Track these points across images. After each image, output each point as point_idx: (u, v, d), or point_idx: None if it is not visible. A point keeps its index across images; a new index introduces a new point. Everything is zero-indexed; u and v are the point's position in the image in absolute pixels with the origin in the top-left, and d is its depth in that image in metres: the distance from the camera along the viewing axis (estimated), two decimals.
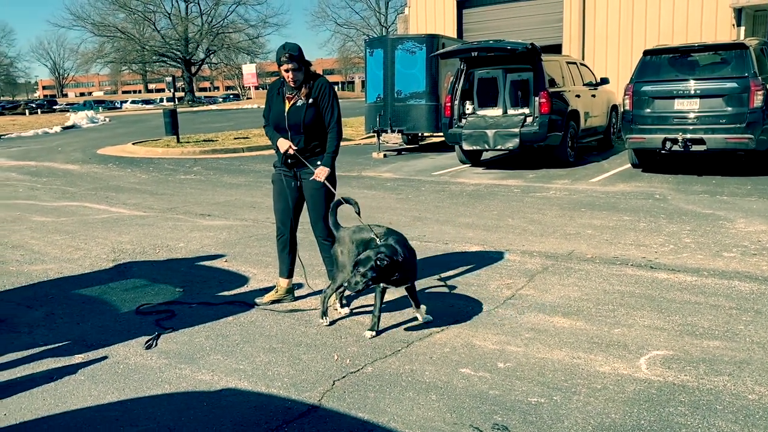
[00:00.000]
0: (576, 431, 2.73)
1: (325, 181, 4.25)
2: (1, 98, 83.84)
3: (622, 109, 10.05)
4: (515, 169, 11.06)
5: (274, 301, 4.51)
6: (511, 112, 11.19)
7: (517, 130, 10.46)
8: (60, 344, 3.86)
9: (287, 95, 4.23)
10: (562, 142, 10.82)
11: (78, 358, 3.65)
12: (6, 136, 25.22)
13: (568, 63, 12.05)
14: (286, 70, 4.09)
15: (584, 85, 12.21)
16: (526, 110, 10.88)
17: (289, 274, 4.53)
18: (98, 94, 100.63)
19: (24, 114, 50.43)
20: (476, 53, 10.98)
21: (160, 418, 2.93)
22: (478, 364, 3.41)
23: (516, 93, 11.19)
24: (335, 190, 4.34)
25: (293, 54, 4.04)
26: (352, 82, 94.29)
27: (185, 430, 2.82)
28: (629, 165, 10.51)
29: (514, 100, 11.24)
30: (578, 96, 11.54)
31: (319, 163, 4.25)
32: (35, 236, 6.91)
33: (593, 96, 12.36)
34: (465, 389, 3.14)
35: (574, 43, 18.11)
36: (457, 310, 4.26)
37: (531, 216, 7.17)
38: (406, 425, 2.81)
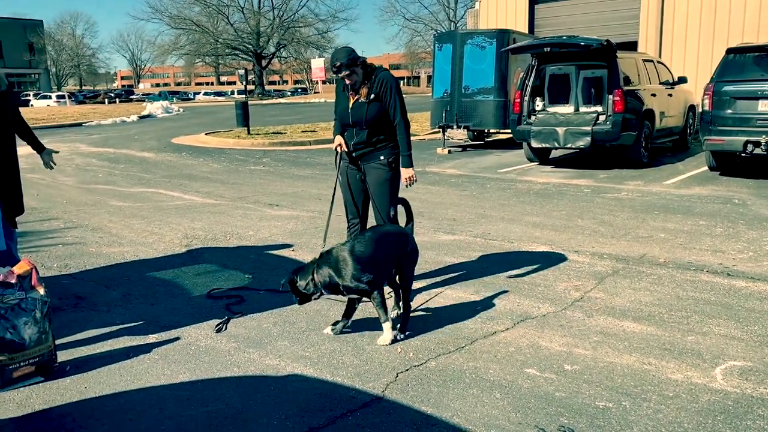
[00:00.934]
0: None
1: (407, 178, 4.30)
2: (83, 87, 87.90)
3: (700, 110, 9.66)
4: (585, 169, 10.80)
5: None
6: (583, 109, 10.92)
7: (589, 128, 10.21)
8: (135, 324, 4.03)
9: (350, 92, 4.27)
10: (635, 142, 10.49)
11: (152, 338, 3.79)
12: (87, 124, 26.43)
13: (644, 61, 11.66)
14: (341, 78, 4.14)
15: (660, 83, 11.79)
16: (599, 108, 10.59)
17: None
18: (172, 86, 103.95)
19: (103, 103, 52.76)
20: (549, 49, 10.77)
21: (228, 400, 3.02)
22: (544, 365, 3.36)
23: (589, 90, 10.91)
24: (398, 186, 4.36)
25: (342, 63, 4.04)
26: (418, 77, 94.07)
27: (252, 413, 2.89)
28: (706, 168, 10.09)
29: (587, 97, 10.96)
30: (654, 95, 11.15)
31: (382, 157, 4.26)
32: (113, 220, 7.22)
33: (670, 95, 11.92)
34: (530, 389, 3.09)
35: (651, 40, 17.51)
36: (523, 309, 4.21)
37: (601, 217, 6.99)
38: (469, 422, 2.80)
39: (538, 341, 3.68)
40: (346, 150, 4.31)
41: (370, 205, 4.45)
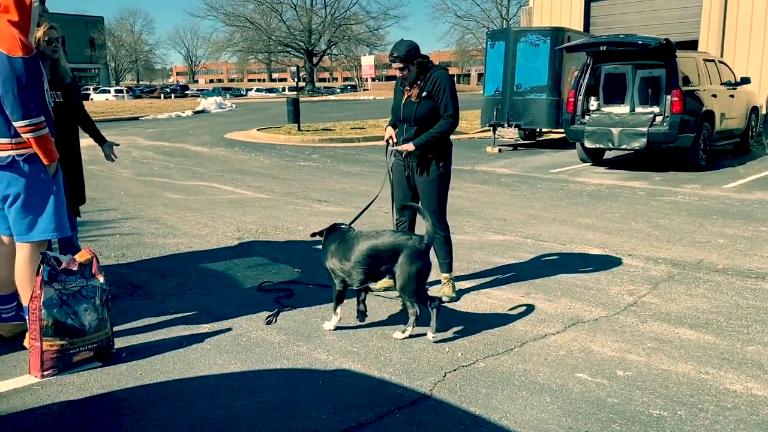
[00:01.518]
0: None
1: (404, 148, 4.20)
2: (140, 82, 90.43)
3: (764, 111, 9.30)
4: (640, 171, 10.54)
5: (386, 288, 4.56)
6: (639, 110, 10.65)
7: (645, 129, 9.95)
8: (189, 313, 4.12)
9: (405, 88, 4.27)
10: (693, 144, 10.17)
11: (205, 328, 3.87)
12: (143, 118, 27.19)
13: (705, 60, 11.30)
14: (395, 69, 4.14)
15: (722, 84, 11.40)
16: (656, 109, 10.32)
17: None
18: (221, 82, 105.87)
19: (159, 98, 54.16)
20: (605, 47, 10.53)
21: (278, 392, 3.06)
22: (596, 370, 3.29)
23: (646, 90, 10.63)
24: (447, 185, 4.35)
25: (399, 56, 4.06)
26: (468, 75, 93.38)
27: (301, 405, 2.92)
28: None
29: (644, 97, 10.68)
30: (714, 96, 10.80)
31: (430, 155, 4.24)
32: (168, 212, 7.41)
33: (731, 96, 11.52)
34: (581, 394, 3.04)
35: (713, 39, 16.95)
36: (574, 313, 4.13)
37: (656, 221, 6.81)
38: (518, 425, 2.76)
39: (589, 345, 3.61)
40: (395, 142, 4.30)
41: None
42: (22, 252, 3.44)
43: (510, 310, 4.18)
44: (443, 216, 4.39)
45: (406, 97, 4.25)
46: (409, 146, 4.18)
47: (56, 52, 4.20)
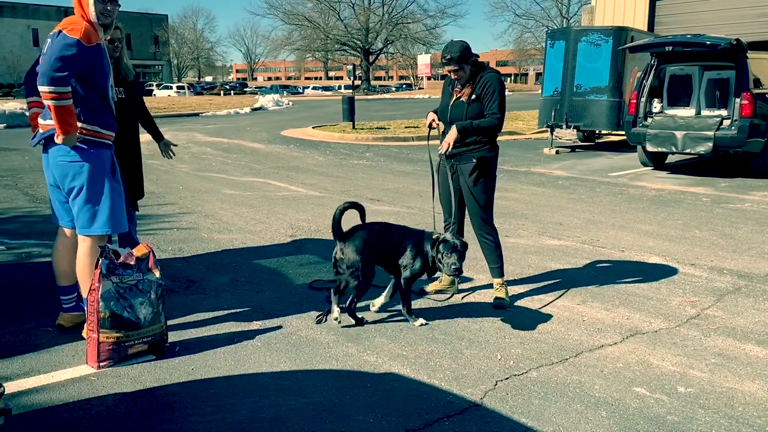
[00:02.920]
0: None
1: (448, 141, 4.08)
2: (201, 79, 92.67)
3: None
4: (704, 176, 10.13)
5: (437, 291, 4.51)
6: (705, 113, 10.25)
7: (711, 133, 9.56)
8: (241, 310, 4.16)
9: (455, 89, 4.21)
10: (763, 150, 9.73)
11: (256, 325, 3.90)
12: (203, 114, 27.83)
13: None
14: (448, 71, 4.09)
15: None
16: (724, 112, 9.90)
17: None
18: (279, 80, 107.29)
19: (219, 94, 55.38)
20: (671, 48, 10.17)
21: (327, 393, 3.04)
22: (655, 385, 3.15)
23: (713, 93, 10.22)
24: (494, 189, 4.28)
25: (453, 56, 3.99)
26: (526, 75, 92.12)
27: (349, 409, 2.90)
28: None
29: (711, 100, 10.27)
30: None
31: (474, 159, 4.15)
32: (224, 207, 7.53)
33: None
34: (639, 410, 2.91)
35: None
36: (633, 324, 3.98)
37: (722, 229, 6.52)
38: None
39: (648, 359, 3.47)
40: (438, 125, 4.25)
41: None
42: (84, 245, 3.54)
43: (565, 318, 4.06)
44: (491, 220, 4.29)
45: (455, 98, 4.18)
46: (453, 132, 4.03)
47: (117, 50, 4.31)
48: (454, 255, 3.80)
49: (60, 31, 3.32)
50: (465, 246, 3.90)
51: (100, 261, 3.27)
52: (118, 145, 4.44)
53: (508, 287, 4.44)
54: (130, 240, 4.73)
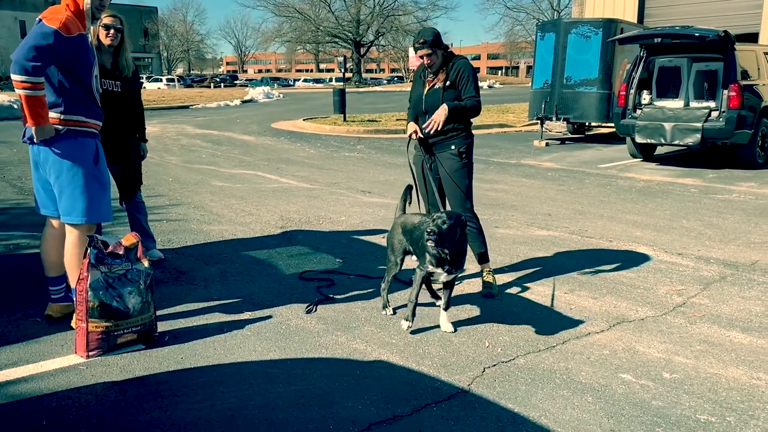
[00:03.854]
0: None
1: (443, 149, 4.16)
2: (191, 72, 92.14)
3: None
4: (692, 167, 10.20)
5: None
6: (693, 104, 10.31)
7: (699, 124, 9.62)
8: (231, 300, 4.17)
9: (427, 78, 4.22)
10: (751, 141, 9.79)
11: (245, 315, 3.91)
12: (193, 107, 27.71)
13: (765, 54, 10.83)
14: (421, 56, 4.08)
15: None
16: (712, 104, 9.96)
17: None
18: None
19: (209, 87, 55.08)
20: (660, 40, 10.21)
21: (316, 381, 3.06)
22: (641, 372, 3.19)
23: (701, 84, 10.28)
24: (471, 176, 4.27)
25: (426, 40, 4.00)
26: (517, 68, 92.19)
27: (338, 396, 2.92)
28: None
29: (699, 91, 10.34)
30: None
31: (453, 147, 4.18)
32: (214, 199, 7.52)
33: None
34: (625, 396, 2.95)
35: None
36: (620, 312, 4.02)
37: (709, 219, 6.57)
38: (558, 424, 2.70)
39: (635, 346, 3.51)
40: (421, 137, 4.23)
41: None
42: (71, 235, 3.53)
43: (553, 306, 4.10)
44: (471, 207, 4.31)
45: (429, 87, 4.20)
46: (442, 110, 4.00)
47: (114, 40, 4.32)
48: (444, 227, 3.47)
49: (40, 20, 3.30)
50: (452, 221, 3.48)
51: (89, 251, 3.27)
52: (112, 138, 4.47)
53: (498, 276, 4.47)
54: (141, 231, 4.78)
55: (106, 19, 4.26)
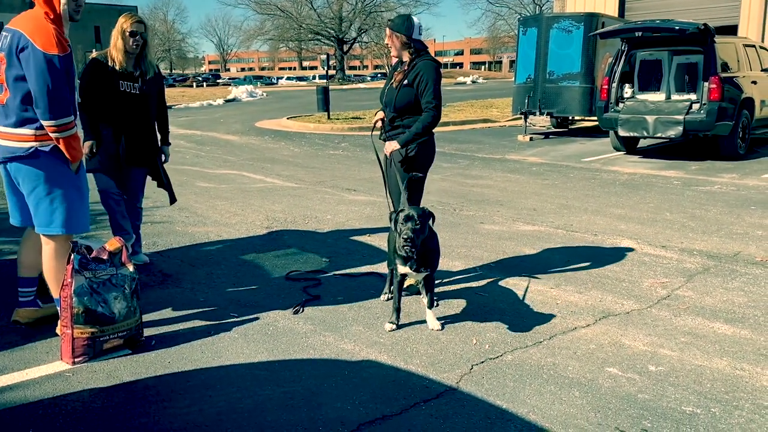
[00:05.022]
0: None
1: (389, 155, 4.13)
2: (173, 71, 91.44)
3: None
4: (675, 160, 10.30)
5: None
6: (675, 97, 10.40)
7: (681, 117, 9.71)
8: (217, 302, 4.15)
9: (395, 72, 4.20)
10: (731, 133, 9.90)
11: (232, 317, 3.89)
12: (176, 107, 27.49)
13: (745, 46, 10.96)
14: (386, 44, 4.14)
15: (763, 70, 11.06)
16: (693, 96, 10.06)
17: None
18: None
19: (192, 86, 54.69)
20: (641, 33, 10.29)
21: (304, 382, 3.06)
22: (627, 365, 3.22)
23: (682, 77, 10.37)
24: (423, 174, 4.20)
25: (391, 20, 4.06)
26: (500, 62, 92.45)
27: (327, 396, 2.92)
28: None
29: (680, 84, 10.43)
30: (754, 82, 10.48)
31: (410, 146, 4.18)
32: (199, 200, 7.48)
33: None
34: (611, 389, 2.98)
35: (753, 23, 16.45)
36: (605, 306, 4.05)
37: (692, 211, 6.64)
38: (546, 419, 2.72)
39: (620, 339, 3.54)
40: (382, 127, 4.24)
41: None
42: (48, 247, 3.47)
43: (539, 302, 4.12)
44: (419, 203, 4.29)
45: (390, 82, 4.20)
46: (393, 144, 4.08)
47: (138, 46, 4.39)
48: (408, 223, 3.51)
49: (30, 43, 3.20)
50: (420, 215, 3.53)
51: (72, 256, 3.24)
52: (132, 140, 4.53)
53: (484, 272, 4.49)
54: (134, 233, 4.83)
55: (132, 26, 4.37)
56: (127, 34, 4.36)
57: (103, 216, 4.90)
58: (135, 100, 4.54)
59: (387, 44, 4.18)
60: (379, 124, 4.27)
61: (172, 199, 5.11)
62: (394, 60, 4.26)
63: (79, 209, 3.52)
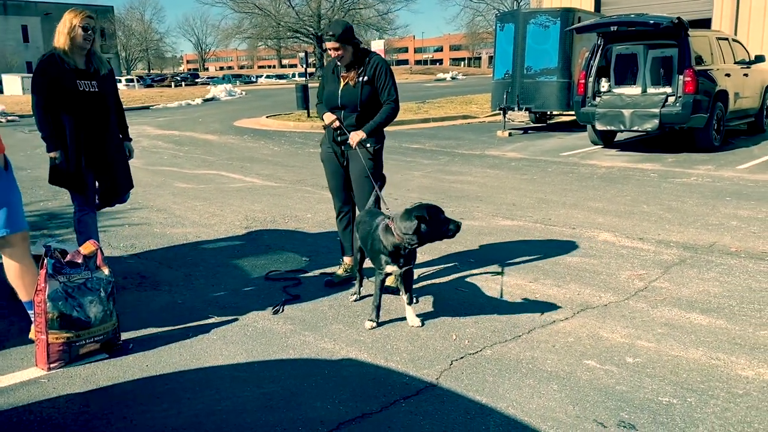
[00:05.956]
0: None
1: (357, 147, 4.12)
2: (151, 71, 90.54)
3: None
4: (652, 152, 10.41)
5: (347, 278, 4.48)
6: (651, 90, 10.50)
7: (657, 110, 9.81)
8: (196, 304, 4.12)
9: (342, 74, 4.17)
10: (706, 125, 10.02)
11: (211, 319, 3.86)
12: (154, 107, 27.23)
13: (718, 39, 11.09)
14: (329, 49, 4.06)
15: (735, 63, 11.20)
16: (668, 89, 10.16)
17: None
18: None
19: (170, 86, 54.22)
20: (616, 28, 10.37)
21: (284, 382, 3.05)
22: (605, 357, 3.25)
23: (658, 71, 10.48)
24: (381, 170, 4.26)
25: (335, 33, 3.97)
26: (479, 58, 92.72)
27: (306, 396, 2.91)
28: None
29: (656, 78, 10.53)
30: (728, 75, 10.61)
31: (369, 145, 4.19)
32: (177, 201, 7.41)
33: (745, 75, 11.32)
34: (589, 382, 3.00)
35: (726, 17, 16.66)
36: (583, 299, 4.08)
37: (668, 203, 6.72)
38: (525, 413, 2.73)
39: (598, 332, 3.57)
40: (339, 126, 4.20)
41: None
42: (4, 251, 3.41)
43: (518, 296, 4.14)
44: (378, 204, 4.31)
45: (344, 83, 4.15)
46: (360, 134, 4.10)
47: (88, 41, 4.19)
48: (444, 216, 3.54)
49: None
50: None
51: (46, 261, 3.19)
52: (90, 141, 4.28)
53: (464, 268, 4.50)
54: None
55: (84, 21, 4.13)
56: (80, 29, 4.11)
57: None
58: (94, 99, 4.27)
59: (335, 57, 4.07)
60: (336, 123, 4.20)
61: (105, 203, 4.66)
62: (330, 60, 4.24)
63: (18, 205, 3.41)
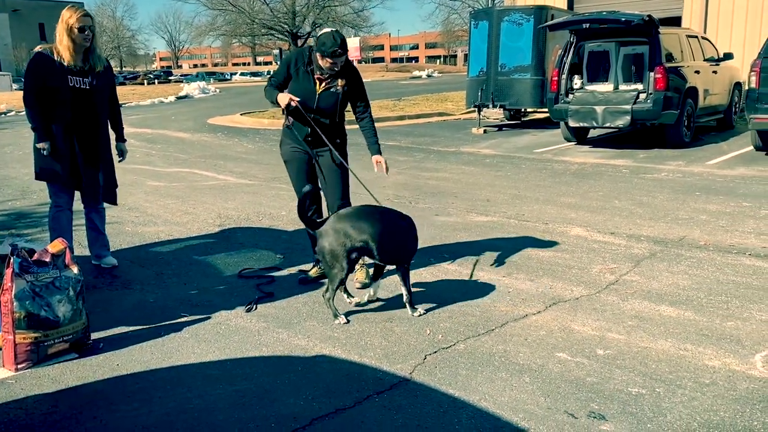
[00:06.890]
0: (679, 426, 2.58)
1: (381, 163, 4.28)
2: (123, 69, 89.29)
3: (746, 87, 9.30)
4: (624, 149, 10.54)
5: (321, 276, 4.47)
6: (622, 87, 10.63)
7: (628, 107, 9.94)
8: (167, 303, 4.08)
9: (317, 75, 4.10)
10: (677, 121, 10.16)
11: (183, 317, 3.83)
12: (126, 105, 26.85)
13: (688, 36, 11.26)
14: (335, 62, 3.96)
15: (705, 60, 11.39)
16: (640, 86, 10.29)
17: None
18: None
19: (143, 84, 53.54)
20: (588, 25, 10.48)
21: (257, 380, 3.03)
22: (576, 350, 3.29)
23: (629, 68, 10.61)
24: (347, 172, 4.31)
25: (345, 49, 3.90)
26: (455, 56, 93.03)
27: (280, 393, 2.90)
28: (751, 147, 9.73)
29: (627, 75, 10.66)
30: (698, 72, 10.78)
31: (338, 141, 4.25)
32: (149, 200, 7.33)
33: (714, 72, 11.51)
34: (560, 374, 3.03)
35: (696, 14, 16.91)
36: (555, 292, 4.13)
37: (639, 198, 6.81)
38: (497, 406, 2.76)
39: (570, 325, 3.61)
40: (309, 136, 4.20)
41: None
42: None
43: (491, 290, 4.17)
44: (349, 203, 4.33)
45: (325, 87, 4.11)
46: (382, 159, 4.31)
47: (87, 40, 4.23)
48: None
49: None
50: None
51: (12, 260, 3.13)
52: (81, 137, 4.33)
53: (439, 263, 4.52)
54: (100, 239, 4.68)
55: (81, 21, 4.19)
56: (76, 30, 4.18)
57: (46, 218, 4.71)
58: (86, 96, 4.32)
59: (334, 67, 4.00)
60: (294, 103, 4.04)
61: (112, 200, 4.77)
62: (356, 57, 4.28)
63: None
